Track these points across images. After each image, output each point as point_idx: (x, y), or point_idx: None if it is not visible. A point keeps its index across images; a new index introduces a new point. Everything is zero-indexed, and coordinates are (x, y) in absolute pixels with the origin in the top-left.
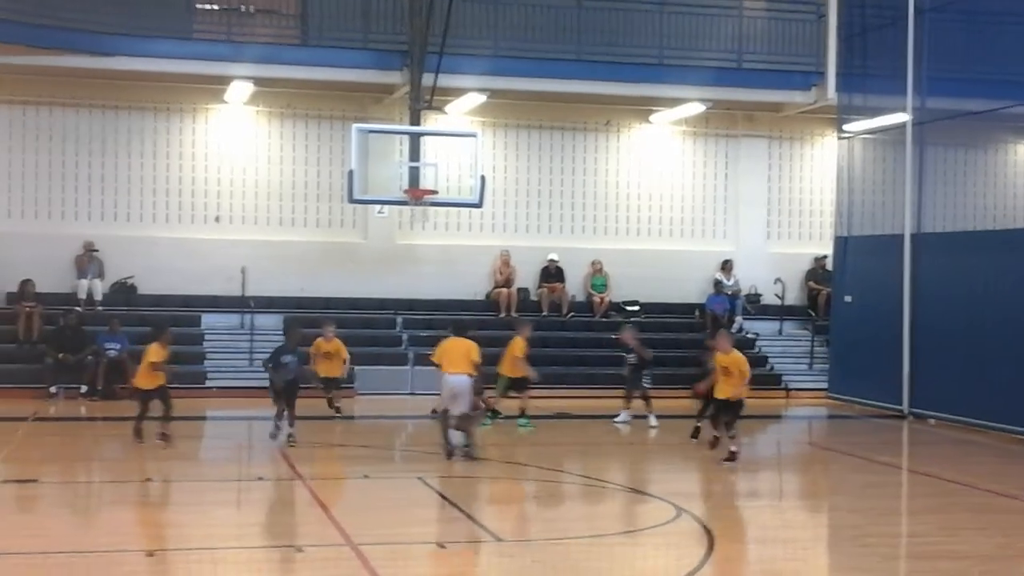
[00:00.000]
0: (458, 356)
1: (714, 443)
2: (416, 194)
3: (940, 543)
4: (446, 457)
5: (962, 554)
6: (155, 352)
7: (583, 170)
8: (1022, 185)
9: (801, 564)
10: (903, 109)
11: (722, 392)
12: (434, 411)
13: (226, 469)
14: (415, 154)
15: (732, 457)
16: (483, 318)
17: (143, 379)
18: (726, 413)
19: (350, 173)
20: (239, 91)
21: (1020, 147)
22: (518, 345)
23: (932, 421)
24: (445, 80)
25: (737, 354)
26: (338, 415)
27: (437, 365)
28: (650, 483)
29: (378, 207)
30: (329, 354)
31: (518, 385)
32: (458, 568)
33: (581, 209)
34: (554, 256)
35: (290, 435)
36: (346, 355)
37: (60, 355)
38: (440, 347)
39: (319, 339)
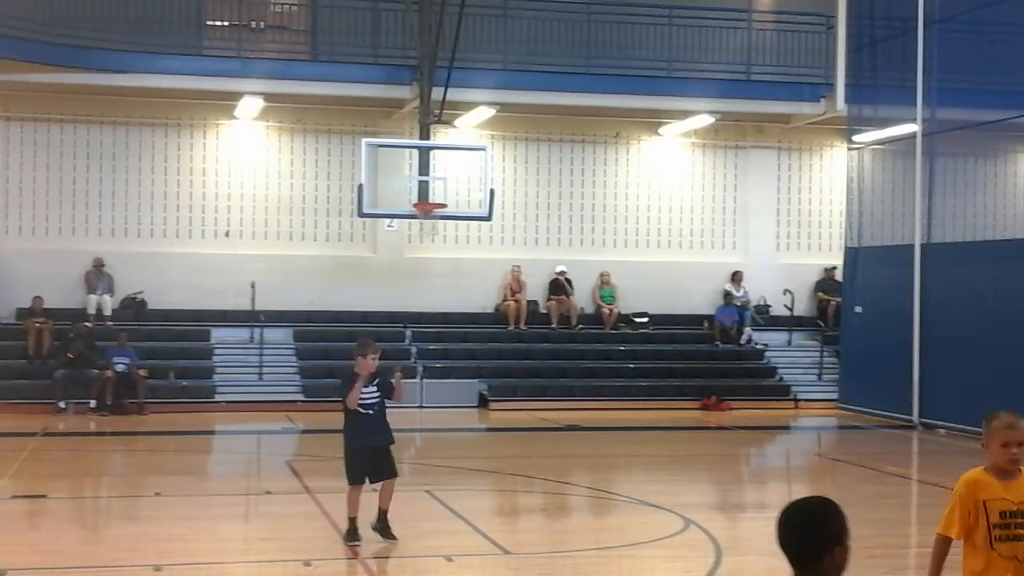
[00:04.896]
0: None
1: None
2: (425, 208)
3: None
4: None
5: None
6: None
7: (592, 182)
8: None
9: None
10: (912, 120)
11: None
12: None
13: (234, 483)
14: (424, 168)
15: None
16: (492, 331)
17: None
18: None
19: (360, 187)
20: (249, 107)
21: None
22: None
23: (942, 431)
24: (454, 94)
25: None
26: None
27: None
28: (658, 495)
29: (387, 221)
30: None
31: None
32: None
33: (590, 221)
34: (562, 268)
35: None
36: None
37: (70, 355)
38: None
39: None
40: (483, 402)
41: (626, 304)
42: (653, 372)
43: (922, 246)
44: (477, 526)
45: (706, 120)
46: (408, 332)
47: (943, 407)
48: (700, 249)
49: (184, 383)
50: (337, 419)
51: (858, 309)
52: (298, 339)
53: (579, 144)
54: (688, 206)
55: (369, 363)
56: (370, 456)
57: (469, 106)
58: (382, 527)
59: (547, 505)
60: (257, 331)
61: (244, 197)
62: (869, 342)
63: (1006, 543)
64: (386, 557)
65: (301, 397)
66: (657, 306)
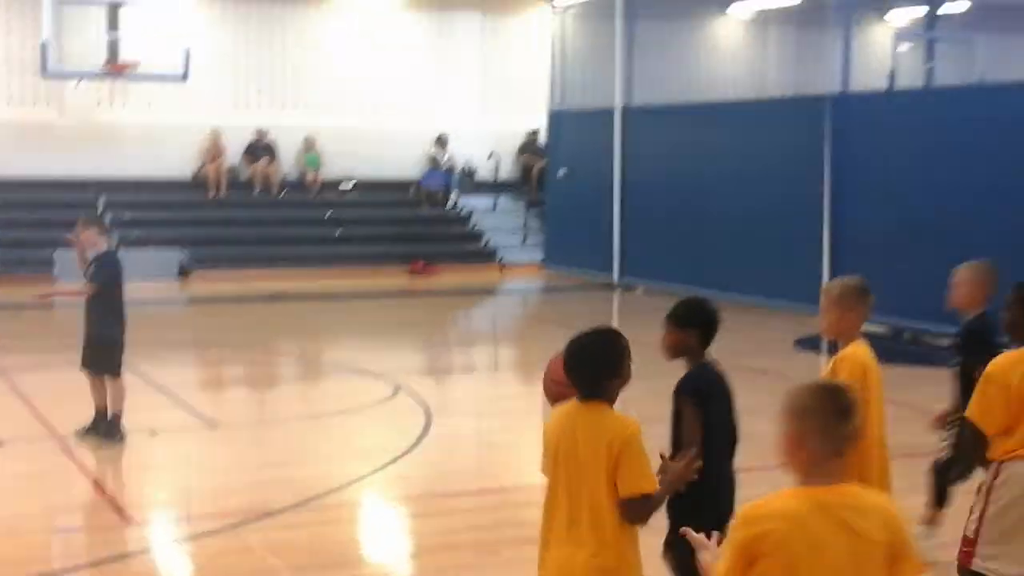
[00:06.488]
0: None
1: None
2: (117, 67)
3: (647, 407)
4: None
5: (660, 418)
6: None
7: (295, 42)
8: (726, 58)
9: (516, 436)
10: None
11: None
12: None
13: None
14: (114, 23)
15: None
16: (191, 198)
17: None
18: None
19: (43, 45)
20: None
21: (724, 19)
22: None
23: (640, 289)
24: None
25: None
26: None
27: None
28: (367, 361)
29: (75, 81)
30: None
31: None
32: (170, 455)
33: (294, 83)
34: (262, 129)
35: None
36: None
37: None
38: None
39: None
40: (183, 273)
41: (331, 170)
42: (360, 239)
43: (622, 109)
44: (181, 399)
45: None
46: (102, 200)
47: (642, 267)
48: (406, 113)
49: None
50: (25, 293)
51: (561, 172)
52: None
53: (280, 1)
54: (393, 69)
55: (78, 241)
56: (84, 344)
57: None
58: (95, 425)
59: (254, 376)
60: None
61: None
62: (572, 205)
63: None
64: (84, 430)
65: None
66: (363, 172)
